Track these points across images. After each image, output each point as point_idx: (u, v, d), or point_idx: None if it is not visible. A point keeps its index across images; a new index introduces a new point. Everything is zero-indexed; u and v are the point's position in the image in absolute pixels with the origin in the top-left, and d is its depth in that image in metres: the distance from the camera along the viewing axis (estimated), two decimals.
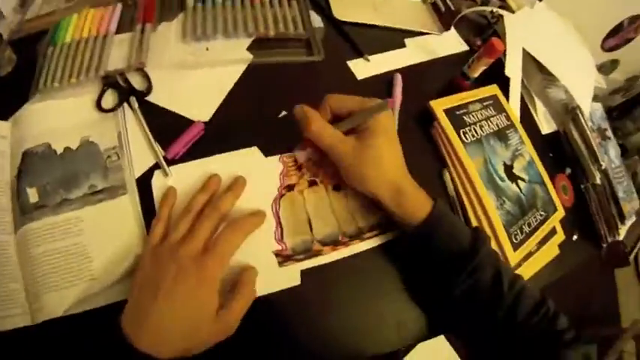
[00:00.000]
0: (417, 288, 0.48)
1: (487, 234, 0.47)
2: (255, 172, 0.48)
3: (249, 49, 0.59)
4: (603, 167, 0.73)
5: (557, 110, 0.80)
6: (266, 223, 0.46)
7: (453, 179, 0.56)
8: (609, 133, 0.86)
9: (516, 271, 0.53)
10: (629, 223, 0.77)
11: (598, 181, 0.73)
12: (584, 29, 1.44)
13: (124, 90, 0.52)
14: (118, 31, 0.59)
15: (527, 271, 0.57)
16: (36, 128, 0.49)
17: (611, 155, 0.81)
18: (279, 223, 0.47)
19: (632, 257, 1.72)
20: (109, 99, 0.52)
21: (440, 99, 0.59)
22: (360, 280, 0.48)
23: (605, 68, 1.57)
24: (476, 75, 0.65)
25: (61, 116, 0.51)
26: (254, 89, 0.56)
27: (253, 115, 0.53)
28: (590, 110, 0.84)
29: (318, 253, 0.46)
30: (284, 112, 0.54)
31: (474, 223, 0.53)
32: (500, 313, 0.42)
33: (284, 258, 0.45)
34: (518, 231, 0.55)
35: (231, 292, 0.40)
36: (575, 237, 0.68)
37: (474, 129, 0.59)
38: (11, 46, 0.55)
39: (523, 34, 0.77)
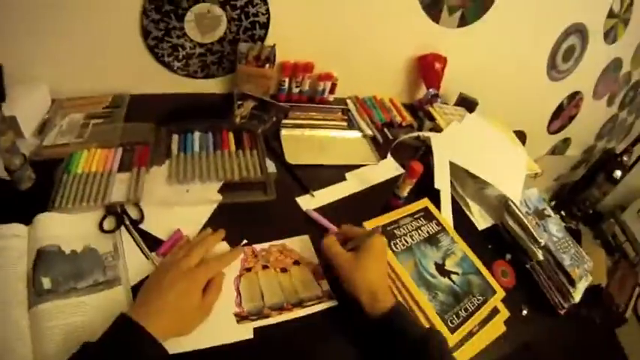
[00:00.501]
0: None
1: (441, 335, 0.60)
2: None
3: (219, 191, 0.78)
4: (543, 244, 0.83)
5: (492, 206, 0.94)
6: (229, 292, 0.63)
7: None
8: (548, 211, 0.96)
9: (460, 350, 0.64)
10: (581, 285, 0.84)
11: (541, 258, 0.83)
12: (529, 120, 1.64)
13: (122, 218, 0.70)
14: (120, 169, 0.79)
15: (472, 348, 0.66)
16: (49, 232, 0.65)
17: (552, 231, 0.92)
18: (238, 293, 0.64)
19: (629, 313, 1.71)
20: (110, 222, 0.70)
21: (372, 219, 0.75)
22: (300, 337, 0.61)
23: (559, 149, 1.71)
24: (405, 194, 0.82)
25: (69, 227, 0.67)
26: (222, 224, 0.72)
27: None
28: (525, 197, 0.97)
29: (267, 316, 0.61)
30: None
31: None
32: None
33: (241, 318, 0.60)
34: (454, 316, 0.66)
35: (206, 289, 0.59)
36: (524, 312, 0.78)
37: (404, 239, 0.74)
38: (31, 167, 0.72)
39: (449, 149, 0.94)
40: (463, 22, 1.20)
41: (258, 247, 0.70)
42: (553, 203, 2.11)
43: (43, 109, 0.92)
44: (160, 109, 0.98)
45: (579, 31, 1.49)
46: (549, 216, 0.97)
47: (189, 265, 0.59)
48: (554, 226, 0.94)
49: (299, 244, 0.73)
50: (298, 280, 0.68)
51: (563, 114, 1.73)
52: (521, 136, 1.70)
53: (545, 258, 0.83)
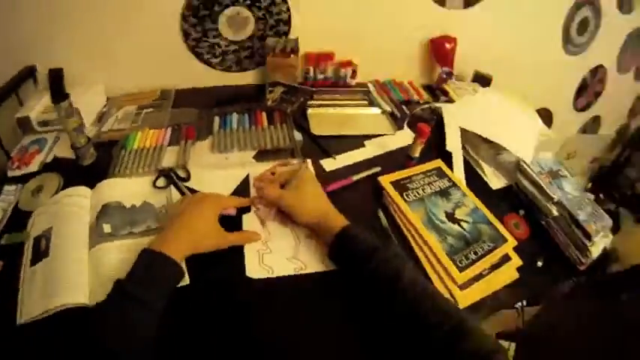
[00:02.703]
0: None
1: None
2: None
3: (254, 157, 0.92)
4: (556, 200, 0.86)
5: (506, 169, 0.99)
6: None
7: (392, 220, 0.79)
8: (564, 172, 0.98)
9: (469, 288, 0.70)
10: (599, 241, 0.85)
11: (555, 213, 0.86)
12: (552, 97, 1.64)
13: (171, 177, 0.84)
14: (169, 144, 0.95)
15: (482, 288, 0.71)
16: (111, 192, 0.79)
17: (567, 189, 0.93)
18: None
19: None
20: (161, 181, 0.83)
21: (386, 175, 0.84)
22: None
23: (589, 127, 1.68)
24: (417, 154, 0.90)
25: (128, 187, 0.81)
26: None
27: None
28: (539, 159, 1.00)
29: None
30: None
31: (419, 254, 0.73)
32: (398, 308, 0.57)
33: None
34: (464, 257, 0.72)
35: (234, 233, 0.70)
36: (539, 263, 0.81)
37: (416, 191, 0.82)
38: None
39: (460, 116, 1.01)
40: (468, 3, 1.27)
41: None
42: (590, 186, 2.08)
43: (100, 104, 1.10)
44: (202, 99, 1.13)
45: (590, 2, 1.48)
46: (564, 176, 0.99)
47: (203, 194, 0.72)
48: (570, 185, 0.96)
49: None
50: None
51: (588, 90, 1.72)
52: (547, 113, 1.72)
53: (560, 213, 0.86)
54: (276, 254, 0.71)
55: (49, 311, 0.60)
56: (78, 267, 0.66)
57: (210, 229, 0.67)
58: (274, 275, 0.68)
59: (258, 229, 0.74)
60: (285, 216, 0.76)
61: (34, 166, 0.90)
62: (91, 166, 0.90)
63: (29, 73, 1.05)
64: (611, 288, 1.64)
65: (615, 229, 0.95)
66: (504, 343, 1.48)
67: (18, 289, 0.64)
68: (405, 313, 0.56)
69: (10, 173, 0.89)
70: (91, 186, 0.81)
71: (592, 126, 1.81)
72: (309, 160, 0.75)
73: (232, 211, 0.76)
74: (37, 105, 1.01)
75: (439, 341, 0.52)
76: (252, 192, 0.82)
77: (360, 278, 0.62)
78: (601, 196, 1.97)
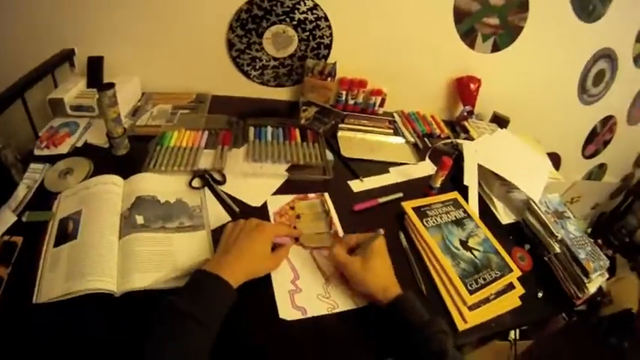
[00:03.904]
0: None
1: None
2: None
3: (286, 170, 0.98)
4: (559, 238, 0.92)
5: (516, 206, 1.07)
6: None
7: (411, 242, 0.86)
8: (568, 213, 1.05)
9: (478, 310, 0.77)
10: (596, 278, 0.90)
11: (557, 250, 0.92)
12: (563, 143, 1.71)
13: (207, 179, 0.89)
14: (206, 147, 0.99)
15: (488, 311, 0.78)
16: (146, 186, 0.81)
17: (570, 230, 0.99)
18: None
19: None
20: (197, 182, 0.87)
21: (409, 201, 0.92)
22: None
23: (594, 174, 1.74)
24: (437, 185, 0.98)
25: (163, 183, 0.84)
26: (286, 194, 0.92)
27: None
28: (547, 199, 1.07)
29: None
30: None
31: (435, 277, 0.80)
32: None
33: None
34: (474, 282, 0.79)
35: (276, 249, 0.71)
36: (540, 295, 0.87)
37: (435, 218, 0.90)
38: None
39: (478, 154, 1.09)
40: (495, 48, 1.36)
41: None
42: (589, 230, 2.14)
43: (135, 98, 1.15)
44: (237, 108, 1.19)
45: (608, 55, 1.55)
46: (568, 217, 1.06)
47: (259, 221, 0.71)
48: (572, 226, 1.02)
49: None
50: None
51: (597, 138, 1.79)
52: (555, 158, 1.79)
53: (561, 251, 0.92)
54: (306, 293, 0.71)
55: (72, 294, 0.59)
56: (108, 253, 0.66)
57: (265, 257, 0.69)
58: (308, 316, 0.67)
59: (284, 264, 0.75)
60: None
61: (64, 148, 0.92)
62: (124, 157, 0.93)
63: (67, 56, 1.08)
64: (602, 330, 1.70)
65: (611, 274, 1.01)
66: None
67: (36, 267, 0.64)
68: None
69: (37, 152, 0.90)
70: (123, 176, 0.83)
71: (597, 173, 1.88)
72: (381, 230, 0.72)
73: (286, 240, 0.75)
74: (72, 89, 1.04)
75: None
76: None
77: (405, 342, 0.63)
78: (599, 241, 2.04)
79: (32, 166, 0.85)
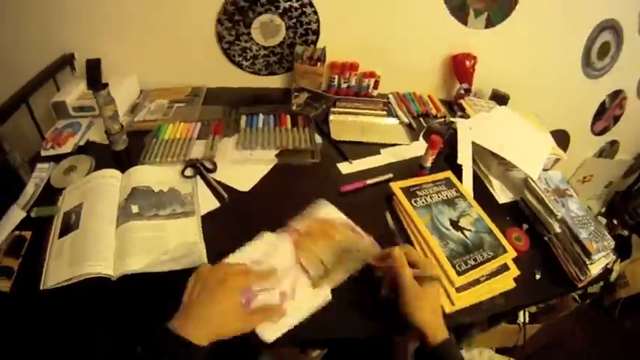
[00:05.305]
0: None
1: None
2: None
3: (276, 155, 0.99)
4: (559, 217, 0.89)
5: (514, 185, 1.04)
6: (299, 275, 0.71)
7: (399, 222, 0.85)
8: (570, 191, 1.01)
9: (466, 291, 0.75)
10: (599, 259, 0.86)
11: (557, 230, 0.89)
12: (570, 120, 1.65)
13: (198, 168, 0.92)
14: (198, 137, 1.02)
15: (477, 293, 0.76)
16: (141, 178, 0.86)
17: (572, 207, 0.96)
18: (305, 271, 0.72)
19: None
20: (189, 171, 0.91)
21: (398, 182, 0.90)
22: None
23: (606, 152, 1.68)
24: (428, 164, 0.95)
25: (157, 174, 0.88)
26: (276, 179, 0.93)
27: (275, 190, 0.91)
28: (547, 176, 1.03)
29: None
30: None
31: (422, 255, 0.79)
32: None
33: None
34: (463, 263, 0.77)
35: (256, 312, 0.62)
36: (538, 276, 0.85)
37: (424, 198, 0.88)
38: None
39: (473, 132, 1.06)
40: (490, 23, 1.32)
41: (301, 228, 0.78)
42: (604, 210, 2.07)
43: (134, 96, 1.19)
44: (231, 99, 1.21)
45: (612, 27, 1.49)
46: (571, 195, 1.02)
47: (223, 273, 0.61)
48: (575, 204, 0.99)
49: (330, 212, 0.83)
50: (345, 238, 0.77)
51: (607, 114, 1.72)
52: (564, 135, 1.73)
53: (561, 230, 0.89)
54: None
55: (74, 278, 0.65)
56: (106, 241, 0.72)
57: (234, 317, 0.59)
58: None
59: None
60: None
61: (67, 147, 0.97)
62: (123, 151, 0.98)
63: (68, 60, 1.14)
64: (616, 313, 1.65)
65: (627, 255, 0.96)
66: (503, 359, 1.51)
67: (43, 257, 0.70)
68: None
69: (43, 152, 0.96)
70: (122, 170, 0.88)
71: (609, 150, 1.81)
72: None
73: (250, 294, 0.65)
74: (74, 91, 1.09)
75: None
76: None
77: None
78: (614, 221, 1.97)
79: (39, 165, 0.91)
